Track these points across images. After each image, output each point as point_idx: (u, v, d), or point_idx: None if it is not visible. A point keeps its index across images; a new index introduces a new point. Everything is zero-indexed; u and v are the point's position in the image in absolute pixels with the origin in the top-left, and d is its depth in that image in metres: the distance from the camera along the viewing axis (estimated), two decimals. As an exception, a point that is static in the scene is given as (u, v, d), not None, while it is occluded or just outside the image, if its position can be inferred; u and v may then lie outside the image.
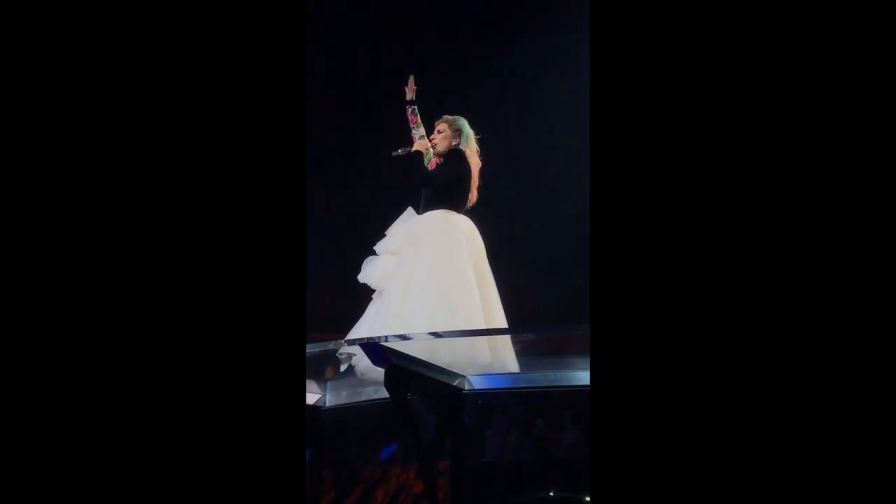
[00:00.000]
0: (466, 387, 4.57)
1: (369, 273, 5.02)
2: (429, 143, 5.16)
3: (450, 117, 5.23)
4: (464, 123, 5.20)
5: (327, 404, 4.90)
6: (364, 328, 4.79)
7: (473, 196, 5.12)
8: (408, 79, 5.24)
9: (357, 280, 5.09)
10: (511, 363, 4.66)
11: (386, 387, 4.19)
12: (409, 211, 5.12)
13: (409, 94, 5.24)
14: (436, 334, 4.40)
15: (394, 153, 5.17)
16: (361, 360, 4.40)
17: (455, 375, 4.52)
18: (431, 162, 5.21)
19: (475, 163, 5.14)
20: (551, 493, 4.50)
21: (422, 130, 5.21)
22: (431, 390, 4.47)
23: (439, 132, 5.19)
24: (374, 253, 5.09)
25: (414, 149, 5.12)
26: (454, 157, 5.09)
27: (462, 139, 5.13)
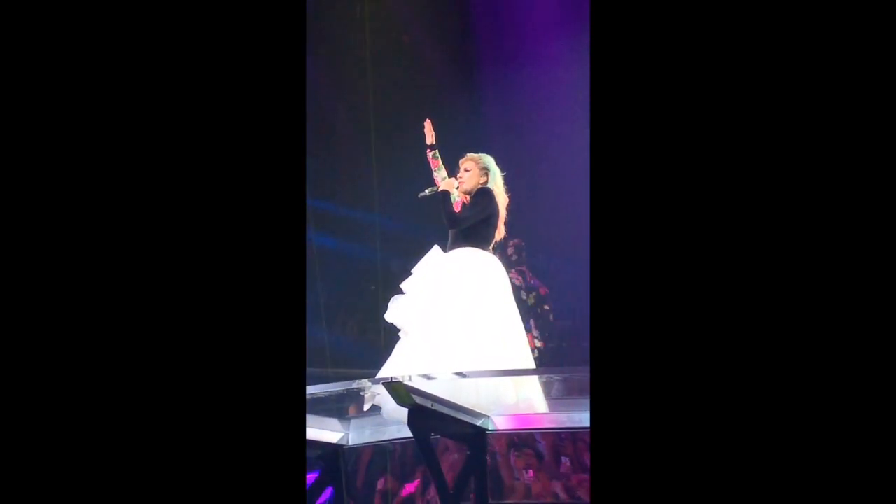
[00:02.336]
0: (490, 427, 4.54)
1: (396, 313, 5.00)
2: (454, 182, 5.15)
3: (475, 155, 5.22)
4: (490, 161, 5.18)
5: (350, 443, 4.88)
6: (391, 369, 4.77)
7: (500, 232, 5.11)
8: (424, 125, 5.25)
9: (383, 319, 5.09)
10: (538, 403, 4.64)
11: (409, 426, 4.16)
12: (436, 249, 5.11)
13: (429, 138, 5.23)
14: (460, 374, 4.38)
15: (420, 195, 5.17)
16: (386, 400, 4.38)
17: (479, 415, 4.49)
18: (457, 202, 5.20)
19: (502, 200, 5.13)
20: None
21: (444, 172, 5.21)
22: (455, 430, 4.44)
23: (466, 171, 5.17)
24: (400, 291, 5.08)
25: (441, 188, 5.11)
26: (483, 197, 5.08)
27: (490, 177, 5.12)
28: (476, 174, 5.16)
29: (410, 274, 5.09)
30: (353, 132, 9.47)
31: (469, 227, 5.01)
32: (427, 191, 5.14)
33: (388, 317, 5.02)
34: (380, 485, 4.79)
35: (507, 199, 5.17)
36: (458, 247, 5.00)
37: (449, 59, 9.59)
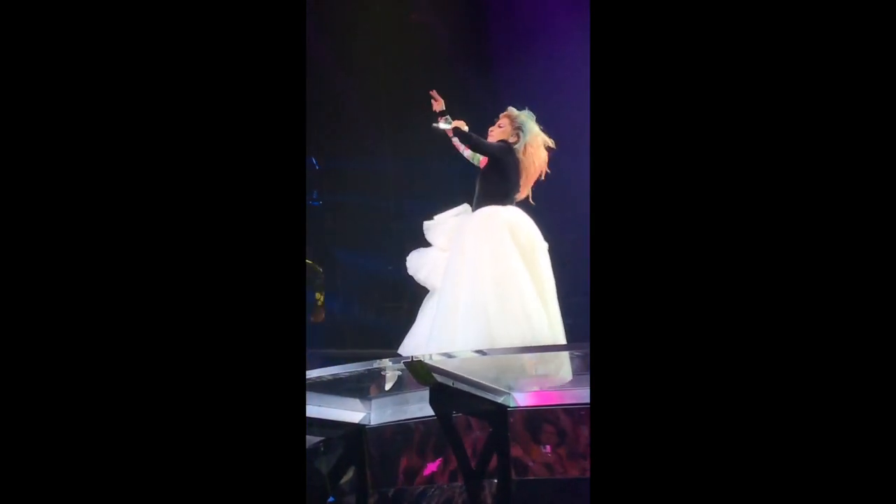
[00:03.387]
0: (511, 404, 4.54)
1: (417, 266, 4.97)
2: (464, 125, 5.05)
3: (514, 112, 5.14)
4: (526, 120, 5.08)
5: (372, 423, 4.89)
6: (420, 337, 4.77)
7: (524, 191, 5.04)
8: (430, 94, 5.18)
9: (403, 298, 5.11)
10: (561, 378, 4.64)
11: (431, 405, 4.17)
12: (465, 206, 5.06)
13: (437, 106, 5.16)
14: (480, 352, 4.39)
15: (434, 125, 5.06)
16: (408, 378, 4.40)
17: (500, 392, 4.50)
18: (482, 160, 5.15)
19: (533, 158, 5.04)
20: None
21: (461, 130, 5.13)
22: (477, 408, 4.45)
23: (499, 127, 5.11)
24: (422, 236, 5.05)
25: (454, 125, 4.99)
26: (499, 150, 5.02)
27: (521, 137, 5.05)
28: (507, 131, 5.10)
29: (431, 218, 5.03)
30: (359, 98, 9.42)
31: (488, 182, 4.92)
32: (442, 124, 5.01)
33: (410, 269, 4.97)
34: (402, 464, 4.80)
35: (544, 162, 5.08)
36: (480, 205, 4.95)
37: (458, 35, 9.54)
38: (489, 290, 4.69)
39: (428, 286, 4.98)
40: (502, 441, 4.50)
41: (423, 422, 4.71)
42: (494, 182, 5.01)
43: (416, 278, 5.00)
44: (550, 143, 5.13)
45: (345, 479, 4.75)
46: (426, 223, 5.09)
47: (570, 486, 4.61)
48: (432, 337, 4.68)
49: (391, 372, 4.49)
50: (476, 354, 4.40)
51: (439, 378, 4.10)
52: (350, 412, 4.78)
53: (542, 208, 5.28)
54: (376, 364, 4.37)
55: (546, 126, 5.30)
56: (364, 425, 4.85)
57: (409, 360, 4.12)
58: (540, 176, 5.12)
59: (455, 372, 4.17)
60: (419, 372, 4.07)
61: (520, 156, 4.99)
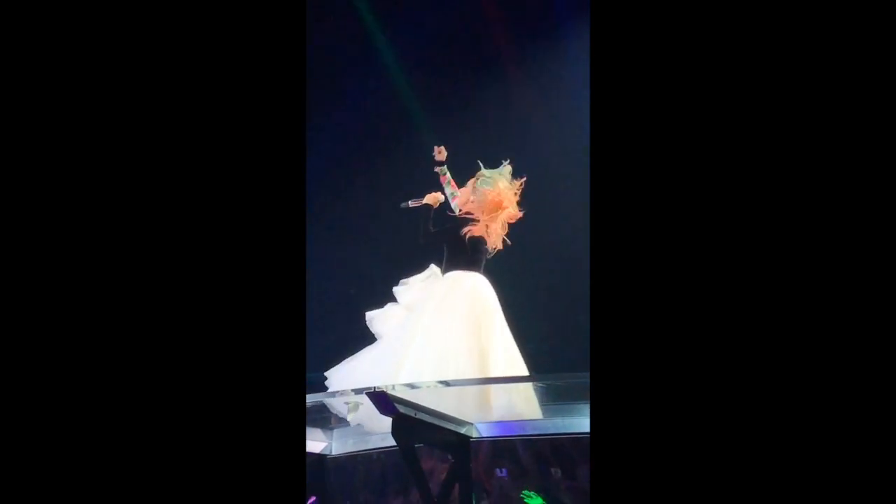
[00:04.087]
0: (474, 434, 4.53)
1: (378, 323, 5.03)
2: (440, 197, 5.15)
3: (483, 172, 5.23)
4: (489, 178, 5.16)
5: (333, 452, 4.87)
6: (360, 372, 4.79)
7: (495, 245, 5.11)
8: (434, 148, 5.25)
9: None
10: (522, 410, 4.64)
11: (393, 435, 4.15)
12: (432, 268, 5.14)
13: (439, 156, 5.24)
14: (444, 383, 4.38)
15: (403, 205, 5.17)
16: (369, 409, 4.37)
17: (463, 423, 4.49)
18: (460, 205, 5.22)
19: (489, 218, 5.10)
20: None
21: (452, 188, 5.21)
22: (439, 438, 4.43)
23: (465, 188, 5.20)
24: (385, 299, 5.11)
25: (424, 202, 5.11)
26: (452, 225, 5.11)
27: (477, 184, 5.13)
28: (468, 191, 5.19)
29: (403, 283, 5.11)
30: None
31: (454, 248, 5.04)
32: (412, 202, 5.14)
33: (370, 325, 5.04)
34: (363, 496, 4.78)
35: (509, 210, 5.15)
36: (448, 269, 5.05)
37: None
38: (432, 346, 4.77)
39: (377, 334, 5.05)
40: (464, 471, 4.48)
41: (385, 452, 4.69)
42: (461, 250, 5.13)
43: (370, 327, 5.07)
44: (513, 201, 5.18)
45: (306, 509, 4.72)
46: (395, 288, 5.17)
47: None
48: (368, 372, 4.69)
49: (353, 402, 4.48)
50: (440, 385, 4.38)
51: (401, 409, 4.09)
52: (311, 441, 4.75)
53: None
54: (338, 394, 4.35)
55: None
56: (325, 455, 4.82)
57: (372, 390, 4.10)
58: (504, 239, 5.20)
59: (418, 403, 4.16)
60: (381, 403, 4.05)
61: (472, 234, 5.08)
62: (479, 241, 5.10)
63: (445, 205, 5.27)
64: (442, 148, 5.27)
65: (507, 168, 5.21)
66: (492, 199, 5.11)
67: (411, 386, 4.28)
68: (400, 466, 4.61)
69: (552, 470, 4.60)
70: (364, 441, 4.80)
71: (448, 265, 5.15)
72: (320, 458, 4.77)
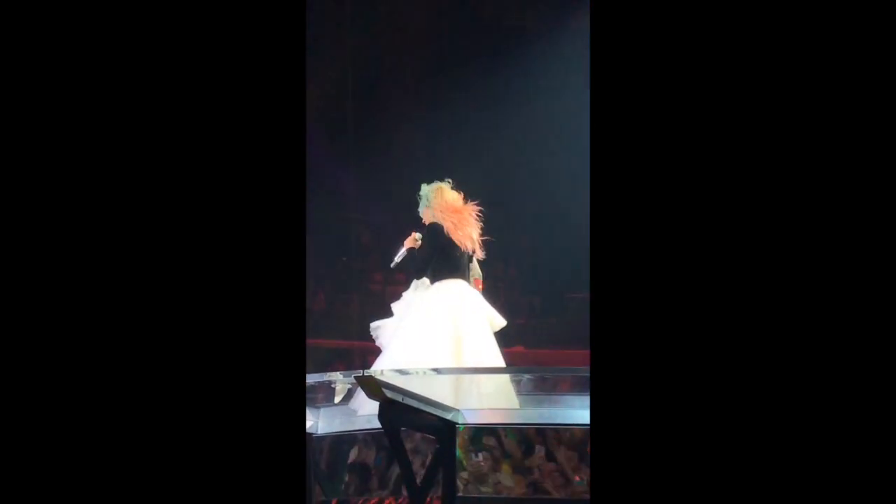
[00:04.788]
0: (460, 420, 4.56)
1: (381, 336, 5.52)
2: (416, 235, 5.35)
3: (423, 189, 5.59)
4: (423, 192, 5.51)
5: (319, 431, 4.90)
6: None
7: (466, 246, 5.31)
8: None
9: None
10: (508, 399, 4.70)
11: (379, 419, 4.19)
12: (423, 281, 5.38)
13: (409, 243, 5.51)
14: (434, 370, 4.44)
15: (392, 265, 5.42)
16: (357, 394, 4.44)
17: (449, 409, 4.52)
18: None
19: (452, 220, 5.29)
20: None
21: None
22: (425, 423, 4.47)
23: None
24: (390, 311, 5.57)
25: (406, 248, 5.39)
26: (427, 233, 5.44)
27: (421, 206, 5.40)
28: (425, 214, 5.43)
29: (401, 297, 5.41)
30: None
31: (436, 263, 5.25)
32: (397, 258, 5.38)
33: (376, 339, 5.36)
34: (347, 475, 4.81)
35: (461, 211, 5.37)
36: (437, 279, 5.23)
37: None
38: (412, 346, 5.04)
39: (381, 346, 5.54)
40: (449, 458, 4.51)
41: (371, 434, 4.73)
42: (442, 262, 5.45)
43: (378, 343, 5.54)
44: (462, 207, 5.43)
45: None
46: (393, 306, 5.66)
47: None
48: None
49: (341, 385, 4.53)
50: (430, 372, 4.43)
51: (389, 393, 4.11)
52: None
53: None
54: (326, 377, 4.38)
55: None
56: (311, 433, 4.85)
57: (360, 374, 4.12)
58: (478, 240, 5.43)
59: (405, 388, 4.19)
60: (369, 386, 4.08)
61: (448, 234, 5.24)
62: (453, 248, 5.27)
63: None
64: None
65: (445, 185, 5.43)
66: (442, 205, 5.37)
67: (401, 372, 4.32)
68: (385, 449, 4.66)
69: (533, 453, 4.65)
70: (350, 422, 4.85)
71: (434, 277, 5.48)
72: (307, 436, 4.79)
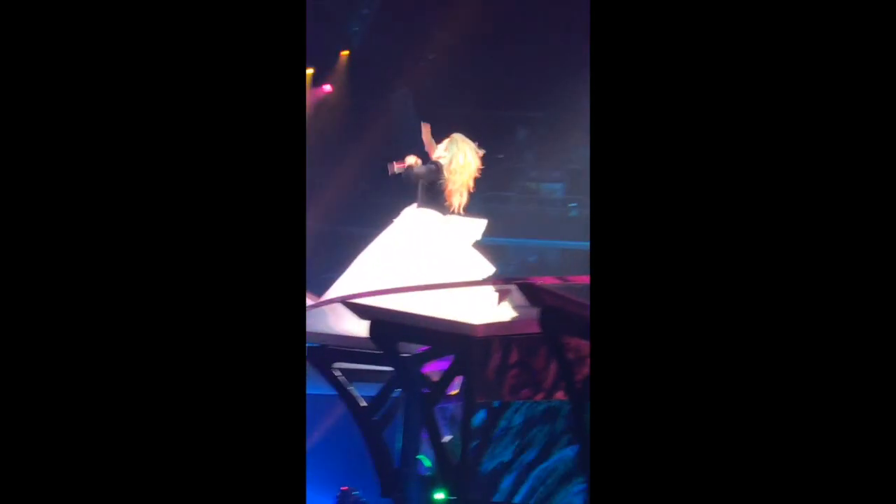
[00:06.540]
0: (472, 334, 4.91)
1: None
2: (418, 160, 5.63)
3: (456, 135, 5.69)
4: (454, 141, 5.64)
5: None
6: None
7: (457, 200, 5.56)
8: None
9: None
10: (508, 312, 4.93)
11: (372, 339, 4.73)
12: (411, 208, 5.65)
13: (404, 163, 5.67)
14: (426, 287, 4.80)
15: (390, 174, 5.69)
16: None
17: (461, 325, 4.88)
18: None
19: (463, 171, 5.56)
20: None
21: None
22: (436, 339, 4.89)
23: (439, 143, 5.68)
24: None
25: (407, 164, 5.62)
26: (429, 168, 5.59)
27: (443, 144, 5.63)
28: (441, 147, 5.65)
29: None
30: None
31: (426, 191, 5.53)
32: (396, 167, 5.63)
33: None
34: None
35: (470, 173, 5.59)
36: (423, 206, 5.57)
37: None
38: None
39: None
40: (465, 367, 4.90)
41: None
42: (427, 191, 5.58)
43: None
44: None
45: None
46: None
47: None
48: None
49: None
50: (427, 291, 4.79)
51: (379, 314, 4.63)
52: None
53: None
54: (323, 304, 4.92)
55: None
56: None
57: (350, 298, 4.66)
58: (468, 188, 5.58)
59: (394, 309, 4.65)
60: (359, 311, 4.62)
61: (446, 173, 5.54)
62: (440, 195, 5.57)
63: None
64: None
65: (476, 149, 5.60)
66: (457, 160, 5.54)
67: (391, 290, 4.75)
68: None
69: (537, 359, 4.82)
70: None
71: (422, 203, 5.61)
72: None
